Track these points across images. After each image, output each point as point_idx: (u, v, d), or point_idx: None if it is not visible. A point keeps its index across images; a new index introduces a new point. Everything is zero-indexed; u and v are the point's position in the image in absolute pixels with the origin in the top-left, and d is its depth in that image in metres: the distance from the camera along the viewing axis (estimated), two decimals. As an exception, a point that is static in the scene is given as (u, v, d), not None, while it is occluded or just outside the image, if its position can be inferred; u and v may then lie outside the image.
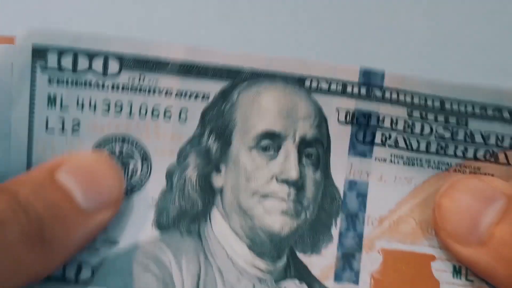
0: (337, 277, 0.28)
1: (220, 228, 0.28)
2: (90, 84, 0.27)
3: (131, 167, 0.28)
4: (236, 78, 0.28)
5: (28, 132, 0.27)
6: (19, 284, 0.24)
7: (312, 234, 0.29)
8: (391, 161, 0.29)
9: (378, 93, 0.28)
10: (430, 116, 0.28)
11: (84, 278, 0.27)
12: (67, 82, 0.27)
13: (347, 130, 0.29)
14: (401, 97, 0.28)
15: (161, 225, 0.28)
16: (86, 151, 0.27)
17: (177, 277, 0.27)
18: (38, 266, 0.24)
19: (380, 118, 0.28)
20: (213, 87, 0.28)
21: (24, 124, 0.27)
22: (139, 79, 0.28)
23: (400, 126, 0.28)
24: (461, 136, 0.28)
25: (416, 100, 0.28)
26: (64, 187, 0.25)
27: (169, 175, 0.28)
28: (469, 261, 0.27)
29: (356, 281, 0.28)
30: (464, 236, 0.27)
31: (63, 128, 0.27)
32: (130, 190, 0.28)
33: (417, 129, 0.28)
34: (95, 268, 0.27)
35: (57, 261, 0.25)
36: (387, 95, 0.28)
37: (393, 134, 0.28)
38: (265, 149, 0.28)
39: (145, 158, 0.28)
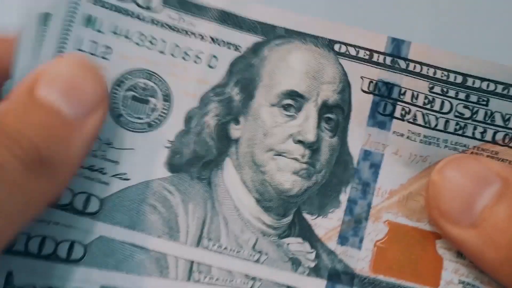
0: (341, 240, 0.28)
1: (231, 178, 0.28)
2: (131, 14, 0.28)
3: (151, 105, 0.28)
4: (269, 34, 0.29)
5: (59, 48, 0.27)
6: (34, 212, 0.24)
7: (321, 197, 0.29)
8: (408, 138, 0.29)
9: (402, 64, 0.29)
10: (451, 93, 0.29)
11: (91, 210, 0.27)
12: (110, 7, 0.28)
13: (369, 99, 0.29)
14: (424, 70, 0.29)
15: (173, 167, 0.28)
16: (59, 58, 0.26)
17: (182, 221, 0.28)
18: (46, 189, 0.23)
19: (402, 91, 0.29)
20: (246, 40, 0.29)
21: (56, 39, 0.27)
22: (178, 20, 0.28)
23: (420, 101, 0.29)
24: (480, 116, 0.29)
25: (438, 75, 0.29)
26: (47, 103, 0.24)
27: (188, 119, 0.28)
28: (458, 242, 0.27)
29: (359, 247, 0.28)
30: (456, 216, 0.26)
31: (95, 50, 0.27)
32: (148, 126, 0.28)
33: (437, 105, 0.29)
34: (103, 201, 0.27)
35: (63, 179, 0.24)
36: (411, 67, 0.29)
37: (413, 110, 0.29)
38: (286, 108, 0.29)
39: (167, 98, 0.28)
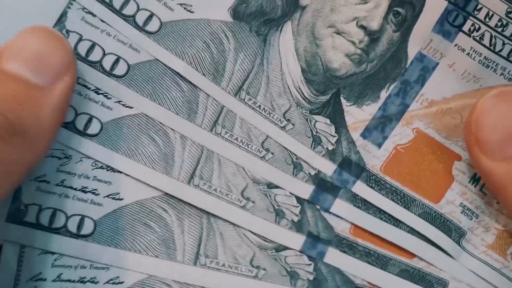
0: (365, 133, 0.29)
1: (286, 41, 0.28)
2: None
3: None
4: None
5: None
6: (14, 181, 0.23)
7: (363, 87, 0.29)
8: (468, 54, 0.29)
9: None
10: (529, 24, 0.28)
11: (86, 232, 0.27)
12: None
13: (443, 5, 0.28)
14: (510, -8, 0.27)
15: (237, 13, 0.28)
16: (24, 30, 0.25)
17: (178, 238, 0.28)
18: (23, 157, 0.23)
19: (478, 7, 0.28)
20: None
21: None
22: None
23: (493, 22, 0.28)
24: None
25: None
26: (13, 74, 0.23)
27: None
28: (486, 171, 0.27)
29: (379, 145, 0.29)
30: (491, 147, 0.26)
31: None
32: None
33: (508, 31, 0.28)
34: (97, 222, 0.27)
35: (38, 145, 0.24)
36: (496, -17, 0.27)
37: (483, 28, 0.28)
38: None
39: None
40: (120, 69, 0.27)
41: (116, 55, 0.27)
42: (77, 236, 0.26)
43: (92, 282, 0.26)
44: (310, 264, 0.28)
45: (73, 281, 0.26)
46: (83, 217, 0.26)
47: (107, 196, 0.27)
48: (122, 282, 0.26)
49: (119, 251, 0.26)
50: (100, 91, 0.27)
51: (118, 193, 0.27)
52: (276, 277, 0.28)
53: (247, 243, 0.28)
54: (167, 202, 0.27)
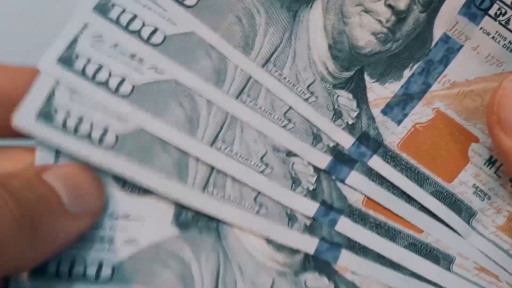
0: (385, 110, 0.30)
1: (315, 18, 0.30)
2: None
3: None
4: None
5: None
6: (7, 270, 0.24)
7: (387, 65, 0.30)
8: (493, 38, 0.29)
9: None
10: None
11: (104, 276, 0.28)
12: None
13: (471, -13, 0.28)
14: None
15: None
16: (71, 163, 0.27)
17: (196, 273, 0.28)
18: (26, 253, 0.24)
19: (507, -8, 0.28)
20: None
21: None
22: None
23: (521, 8, 0.28)
24: None
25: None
26: (51, 186, 0.25)
27: None
28: (505, 151, 0.27)
29: (399, 122, 0.30)
30: None
31: None
32: None
33: (536, 18, 0.28)
34: (115, 267, 0.28)
35: (44, 252, 0.25)
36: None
37: (509, 12, 0.28)
38: None
39: None
40: (157, 39, 0.29)
41: (154, 26, 0.29)
42: (97, 280, 0.28)
43: (110, 241, 0.28)
44: (356, 111, 0.30)
45: (92, 240, 0.28)
46: (101, 263, 0.28)
47: (124, 242, 0.28)
48: (138, 243, 0.28)
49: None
50: (135, 57, 0.29)
51: (135, 238, 0.28)
52: (323, 109, 0.29)
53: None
54: (182, 239, 0.28)
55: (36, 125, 0.27)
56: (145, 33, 0.29)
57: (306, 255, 0.29)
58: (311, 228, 0.29)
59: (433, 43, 0.30)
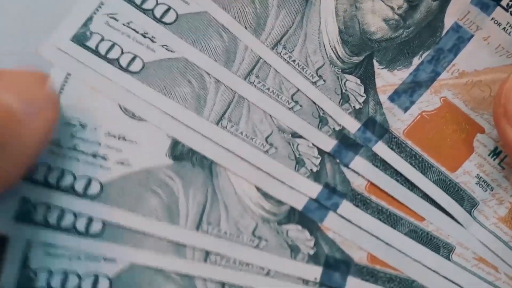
0: (392, 97, 0.30)
1: (327, 3, 0.30)
2: None
3: None
4: None
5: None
6: None
7: (397, 52, 0.30)
8: (504, 29, 0.29)
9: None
10: None
11: (92, 192, 0.28)
12: None
13: (485, -22, 0.28)
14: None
15: (175, 155, 0.29)
16: (15, 69, 0.27)
17: (182, 205, 0.29)
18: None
19: (519, -16, 0.28)
20: None
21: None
22: None
23: (534, 1, 0.28)
24: None
25: None
26: (3, 103, 0.25)
27: None
28: (511, 144, 0.27)
29: (405, 109, 0.30)
30: None
31: None
32: None
33: (549, 12, 0.28)
34: (104, 185, 0.28)
35: (15, 171, 0.26)
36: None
37: (523, 6, 0.28)
38: None
39: None
40: (169, 17, 0.29)
41: (167, 5, 0.29)
42: (84, 195, 0.28)
43: (103, 158, 0.28)
44: (363, 96, 0.30)
45: (86, 153, 0.28)
46: (90, 179, 0.28)
47: (116, 162, 0.28)
48: (130, 165, 0.28)
49: (124, 212, 0.28)
50: (147, 35, 0.29)
51: (128, 159, 0.28)
52: (331, 92, 0.30)
53: (250, 215, 0.29)
54: (174, 171, 0.29)
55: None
56: (159, 11, 0.29)
57: (292, 208, 0.29)
58: (316, 174, 0.30)
59: (444, 31, 0.30)
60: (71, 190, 0.27)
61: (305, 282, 0.29)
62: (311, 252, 0.29)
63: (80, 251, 0.27)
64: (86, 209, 0.27)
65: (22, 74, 0.27)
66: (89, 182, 0.28)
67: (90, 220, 0.27)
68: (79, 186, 0.28)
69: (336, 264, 0.29)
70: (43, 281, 0.26)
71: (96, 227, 0.27)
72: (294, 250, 0.29)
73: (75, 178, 0.28)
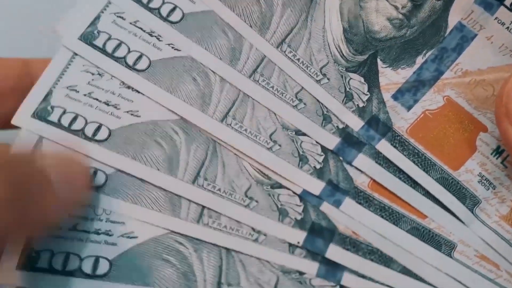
0: (396, 95, 0.30)
1: (332, 2, 0.30)
2: None
3: None
4: None
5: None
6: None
7: (400, 51, 0.30)
8: (508, 29, 0.29)
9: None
10: None
11: (101, 272, 0.28)
12: None
13: (488, -23, 0.28)
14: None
15: None
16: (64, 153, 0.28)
17: (183, 159, 0.29)
18: (14, 228, 0.25)
19: (522, -18, 0.28)
20: None
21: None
22: None
23: (537, -1, 0.28)
24: None
25: None
26: (43, 167, 0.25)
27: None
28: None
29: (409, 108, 0.30)
30: None
31: None
32: None
33: (551, 10, 0.28)
34: (113, 262, 0.28)
35: (31, 228, 0.26)
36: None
37: (526, 5, 0.28)
38: None
39: None
40: (176, 16, 0.30)
41: (173, 4, 0.30)
42: (93, 276, 0.28)
43: (107, 234, 0.28)
44: (366, 94, 0.30)
45: (88, 232, 0.28)
46: (97, 258, 0.28)
47: (121, 235, 0.29)
48: (136, 237, 0.28)
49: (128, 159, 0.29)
50: (153, 34, 0.30)
51: (133, 232, 0.28)
52: (334, 91, 0.30)
53: (246, 175, 0.30)
54: (179, 126, 0.29)
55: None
56: (165, 10, 0.30)
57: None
58: (320, 171, 0.30)
59: (448, 31, 0.30)
60: (80, 134, 0.29)
61: (291, 246, 0.29)
62: (299, 217, 0.29)
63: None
64: (93, 154, 0.28)
65: (72, 159, 0.27)
66: (99, 127, 0.29)
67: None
68: (89, 131, 0.29)
69: (320, 230, 0.29)
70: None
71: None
72: (282, 214, 0.29)
73: (86, 122, 0.29)
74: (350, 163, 0.30)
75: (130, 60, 0.29)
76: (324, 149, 0.30)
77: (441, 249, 0.30)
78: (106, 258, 0.28)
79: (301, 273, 0.29)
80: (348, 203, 0.30)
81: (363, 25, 0.30)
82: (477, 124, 0.30)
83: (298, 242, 0.29)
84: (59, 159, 0.27)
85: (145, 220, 0.28)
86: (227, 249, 0.29)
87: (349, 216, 0.30)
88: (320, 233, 0.29)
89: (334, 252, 0.29)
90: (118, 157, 0.29)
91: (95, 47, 0.29)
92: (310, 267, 0.29)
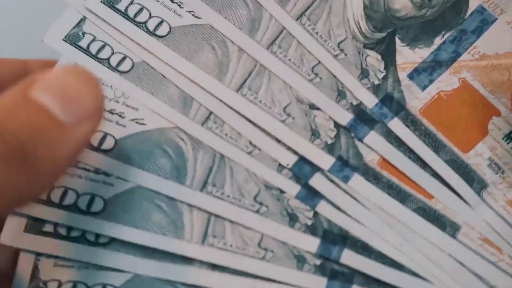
0: (412, 74, 0.30)
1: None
2: None
3: None
4: None
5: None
6: (7, 207, 0.23)
7: (420, 31, 0.30)
8: (529, 14, 0.29)
9: None
10: None
11: (106, 147, 0.28)
12: None
13: (513, -39, 0.28)
14: None
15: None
16: (59, 67, 0.26)
17: (190, 166, 0.29)
18: (25, 187, 0.22)
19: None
20: None
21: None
22: None
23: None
24: None
25: None
26: (40, 104, 0.22)
27: None
28: None
29: (424, 88, 0.30)
30: None
31: None
32: None
33: None
34: (118, 140, 0.29)
35: (46, 178, 0.23)
36: None
37: (550, -8, 0.28)
38: None
39: None
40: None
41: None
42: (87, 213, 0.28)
43: (120, 116, 0.29)
44: (383, 72, 0.30)
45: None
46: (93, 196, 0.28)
47: (132, 119, 0.29)
48: (145, 124, 0.29)
49: (137, 170, 0.29)
50: (175, 0, 0.30)
51: (143, 118, 0.29)
52: (351, 67, 0.30)
53: (254, 180, 0.30)
54: (185, 133, 0.29)
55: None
56: None
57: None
58: (330, 147, 0.30)
59: (468, 13, 0.30)
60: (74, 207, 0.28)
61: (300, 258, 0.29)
62: (309, 222, 0.29)
63: None
64: (99, 165, 0.28)
65: (66, 73, 0.24)
66: (104, 137, 0.29)
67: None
68: (95, 141, 0.29)
69: (333, 237, 0.30)
70: None
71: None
72: (292, 219, 0.29)
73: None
74: (361, 140, 0.30)
75: (151, 25, 0.30)
76: (336, 124, 0.30)
77: (445, 229, 0.30)
78: (113, 136, 0.29)
79: (281, 191, 0.29)
80: (356, 179, 0.30)
81: (383, 3, 0.30)
82: (490, 108, 0.30)
83: (312, 249, 0.29)
84: (54, 81, 0.23)
85: (157, 111, 0.29)
86: (222, 155, 0.29)
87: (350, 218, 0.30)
88: (333, 240, 0.29)
89: (348, 257, 0.29)
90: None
91: (117, 10, 0.30)
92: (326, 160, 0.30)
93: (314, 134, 0.30)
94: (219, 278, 0.28)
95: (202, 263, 0.28)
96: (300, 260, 0.29)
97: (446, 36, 0.30)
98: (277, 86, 0.30)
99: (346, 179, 0.30)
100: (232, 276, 0.28)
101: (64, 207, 0.28)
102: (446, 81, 0.30)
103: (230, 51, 0.30)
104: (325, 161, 0.30)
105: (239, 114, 0.30)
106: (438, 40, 0.30)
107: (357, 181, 0.30)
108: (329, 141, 0.30)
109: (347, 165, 0.30)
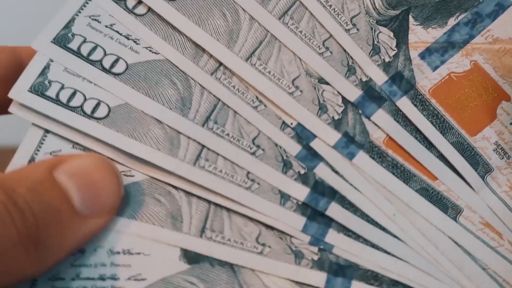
0: (423, 54, 0.30)
1: None
2: None
3: None
4: None
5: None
6: (8, 285, 0.23)
7: (434, 10, 0.30)
8: (547, 0, 0.29)
9: None
10: None
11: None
12: None
13: None
14: None
15: (190, 259, 0.28)
16: (86, 154, 0.25)
17: (185, 211, 0.28)
18: (30, 268, 0.23)
19: None
20: None
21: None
22: None
23: None
24: None
25: None
26: (62, 188, 0.23)
27: None
28: None
29: (434, 68, 0.30)
30: None
31: None
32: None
33: None
34: None
35: (49, 263, 0.24)
36: None
37: None
38: None
39: None
40: None
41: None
42: None
43: (113, 278, 0.27)
44: (394, 50, 0.30)
45: (93, 279, 0.26)
46: None
47: (128, 279, 0.27)
48: (144, 279, 0.27)
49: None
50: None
51: (140, 274, 0.27)
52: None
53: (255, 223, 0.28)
54: (193, 275, 0.27)
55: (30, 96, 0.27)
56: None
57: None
58: (337, 122, 0.30)
59: (483, -5, 0.29)
60: (98, 65, 0.28)
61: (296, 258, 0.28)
62: (315, 257, 0.28)
63: None
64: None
65: (93, 163, 0.24)
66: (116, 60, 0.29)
67: None
68: (107, 63, 0.28)
69: (323, 189, 0.29)
70: None
71: None
72: (298, 256, 0.28)
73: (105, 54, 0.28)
74: (368, 117, 0.30)
75: (107, 64, 0.29)
76: (344, 100, 0.30)
77: (447, 212, 0.30)
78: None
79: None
80: (361, 156, 0.30)
81: (399, -22, 0.30)
82: (500, 92, 0.30)
83: (320, 284, 0.28)
84: (80, 169, 0.24)
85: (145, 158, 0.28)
86: (240, 285, 0.27)
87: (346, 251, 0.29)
88: (340, 272, 0.28)
89: (335, 210, 0.29)
90: (131, 92, 0.28)
91: (69, 50, 0.29)
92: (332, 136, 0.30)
93: (322, 108, 0.30)
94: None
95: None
96: (298, 255, 0.28)
97: (460, 17, 0.30)
98: (287, 57, 0.30)
99: (351, 156, 0.30)
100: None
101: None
102: (458, 63, 0.30)
103: (241, 19, 0.30)
104: (331, 136, 0.30)
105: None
106: (452, 21, 0.30)
107: (362, 159, 0.30)
108: (336, 117, 0.30)
109: (353, 142, 0.30)
